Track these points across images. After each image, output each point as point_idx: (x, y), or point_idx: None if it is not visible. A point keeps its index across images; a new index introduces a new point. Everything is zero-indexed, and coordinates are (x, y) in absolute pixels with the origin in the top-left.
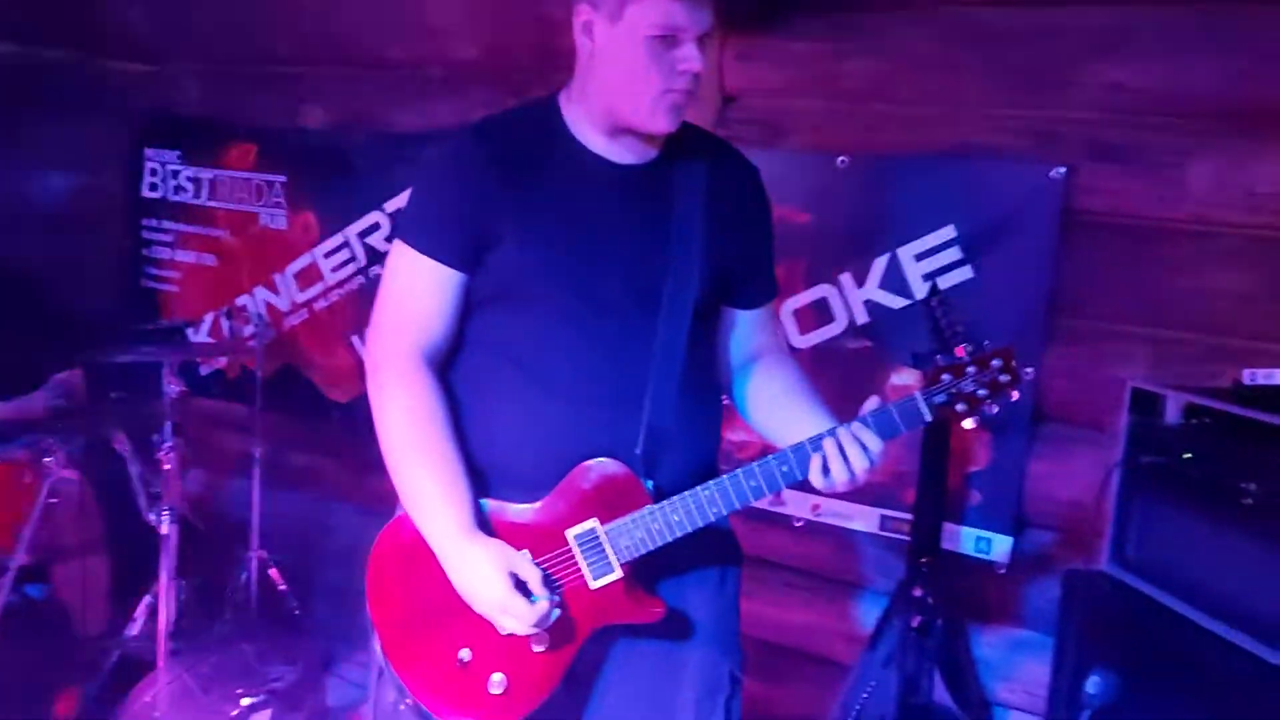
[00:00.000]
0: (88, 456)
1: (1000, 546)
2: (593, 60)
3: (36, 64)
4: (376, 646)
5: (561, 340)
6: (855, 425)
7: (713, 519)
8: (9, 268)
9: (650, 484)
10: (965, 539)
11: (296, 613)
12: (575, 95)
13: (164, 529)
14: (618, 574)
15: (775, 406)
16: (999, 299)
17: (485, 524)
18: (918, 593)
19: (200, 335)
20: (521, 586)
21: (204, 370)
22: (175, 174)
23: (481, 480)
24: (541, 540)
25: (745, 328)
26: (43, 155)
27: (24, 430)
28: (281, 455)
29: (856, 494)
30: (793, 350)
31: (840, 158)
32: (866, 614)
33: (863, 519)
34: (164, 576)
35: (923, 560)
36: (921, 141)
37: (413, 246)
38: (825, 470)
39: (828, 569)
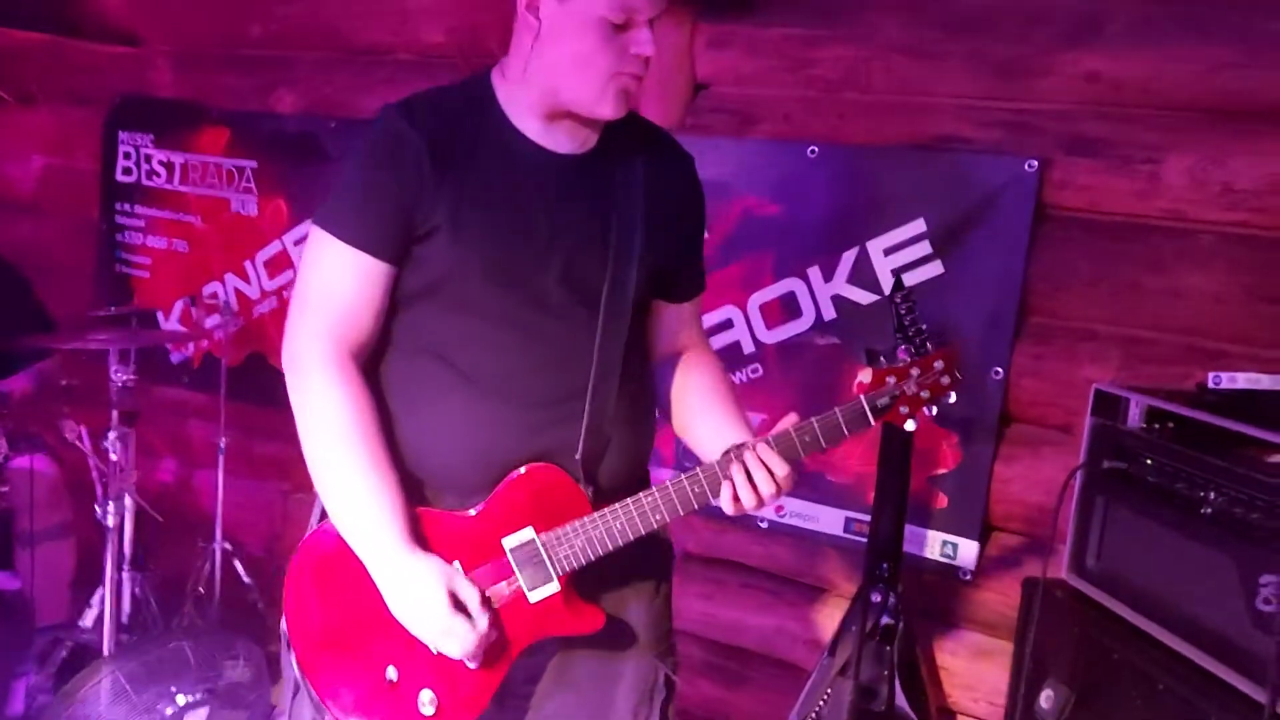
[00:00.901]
0: (63, 444)
1: (966, 551)
2: (538, 41)
3: (9, 45)
4: (293, 663)
5: (498, 338)
6: (760, 448)
7: (655, 526)
8: None
9: (590, 490)
10: (931, 543)
11: (260, 606)
12: (512, 76)
13: (109, 521)
14: (556, 586)
15: (699, 412)
16: (968, 295)
17: (417, 533)
18: (876, 598)
19: (172, 322)
20: (461, 606)
21: (175, 358)
22: (149, 158)
23: (412, 486)
24: (476, 550)
25: (674, 322)
26: (16, 137)
27: None
28: (247, 444)
29: (821, 494)
30: (758, 345)
31: (811, 147)
32: (830, 618)
33: (827, 521)
34: (109, 568)
35: (883, 564)
36: (893, 132)
37: (336, 235)
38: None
39: (791, 571)
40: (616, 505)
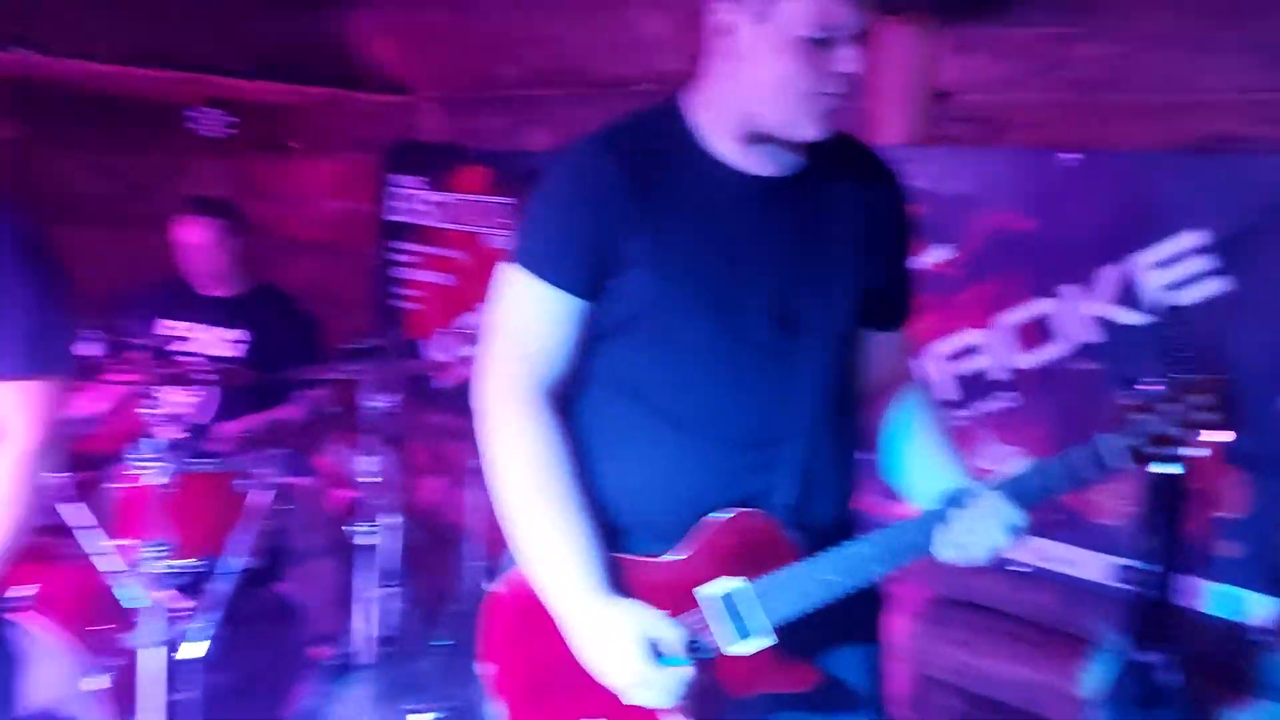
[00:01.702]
0: (331, 467)
1: (1260, 608)
2: (732, 63)
3: (300, 100)
4: (501, 715)
5: (700, 375)
6: (990, 497)
7: (872, 579)
8: (277, 288)
9: (800, 538)
10: (1216, 597)
11: None
12: (705, 100)
13: (365, 540)
14: (765, 639)
15: (910, 451)
16: (1257, 316)
17: (613, 581)
18: (1147, 658)
19: (434, 351)
20: (659, 653)
21: (437, 384)
22: (418, 198)
23: (608, 531)
24: (676, 599)
25: (882, 352)
26: (306, 183)
27: (273, 442)
28: None
29: (1085, 537)
30: (1016, 371)
31: (1068, 155)
32: (1093, 674)
33: (1092, 567)
34: (359, 586)
35: (1153, 620)
36: (1164, 134)
37: (531, 272)
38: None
39: (1054, 620)
40: (829, 554)
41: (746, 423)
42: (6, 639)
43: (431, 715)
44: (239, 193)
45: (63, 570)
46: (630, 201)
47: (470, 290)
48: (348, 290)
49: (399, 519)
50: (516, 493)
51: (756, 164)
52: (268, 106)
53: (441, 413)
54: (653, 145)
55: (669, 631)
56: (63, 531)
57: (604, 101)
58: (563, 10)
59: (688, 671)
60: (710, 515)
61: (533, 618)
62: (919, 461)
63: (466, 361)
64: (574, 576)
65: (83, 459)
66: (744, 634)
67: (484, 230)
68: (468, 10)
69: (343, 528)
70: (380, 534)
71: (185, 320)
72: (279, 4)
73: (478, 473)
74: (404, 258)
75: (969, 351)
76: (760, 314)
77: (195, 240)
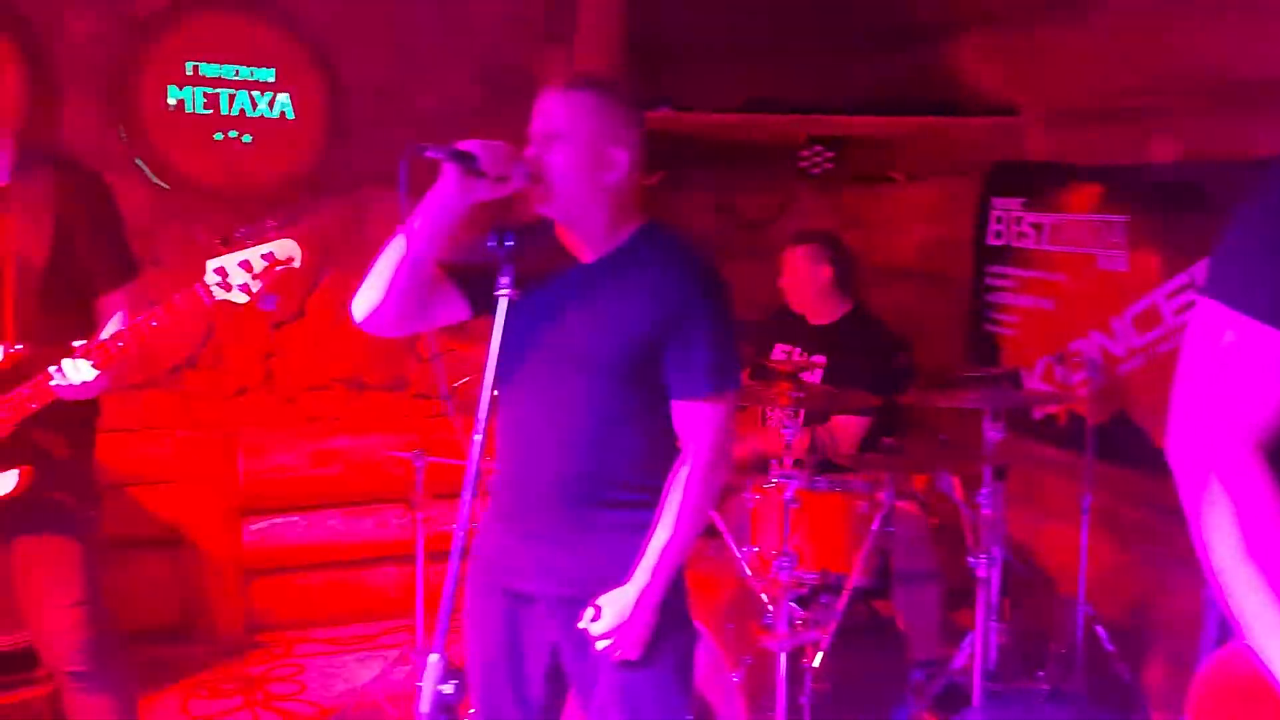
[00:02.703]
0: (931, 494)
1: None
2: None
3: (902, 133)
4: None
5: None
6: None
7: None
8: (869, 314)
9: None
10: None
11: (1125, 679)
12: None
13: (980, 572)
14: None
15: None
16: None
17: None
18: None
19: (1034, 380)
20: None
21: (1037, 414)
22: (1018, 220)
23: None
24: None
25: None
26: (902, 211)
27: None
28: (1114, 506)
29: None
30: None
31: None
32: None
33: None
34: (979, 618)
35: None
36: None
37: (1234, 308)
38: None
39: None
40: None
41: None
42: (692, 621)
43: None
44: (841, 223)
45: (709, 570)
46: None
47: (1074, 315)
48: (941, 315)
49: (1000, 552)
50: (1237, 564)
51: None
52: (869, 139)
53: (1042, 444)
54: None
55: None
56: (710, 535)
57: (1247, 102)
58: (1193, 8)
59: None
60: None
61: (1257, 704)
62: None
63: (1070, 391)
64: None
65: None
66: None
67: (1092, 251)
68: (1081, 22)
69: (945, 555)
70: (986, 566)
71: (795, 346)
72: (881, 42)
73: (1085, 511)
74: (1001, 282)
75: None
76: None
77: (796, 273)
